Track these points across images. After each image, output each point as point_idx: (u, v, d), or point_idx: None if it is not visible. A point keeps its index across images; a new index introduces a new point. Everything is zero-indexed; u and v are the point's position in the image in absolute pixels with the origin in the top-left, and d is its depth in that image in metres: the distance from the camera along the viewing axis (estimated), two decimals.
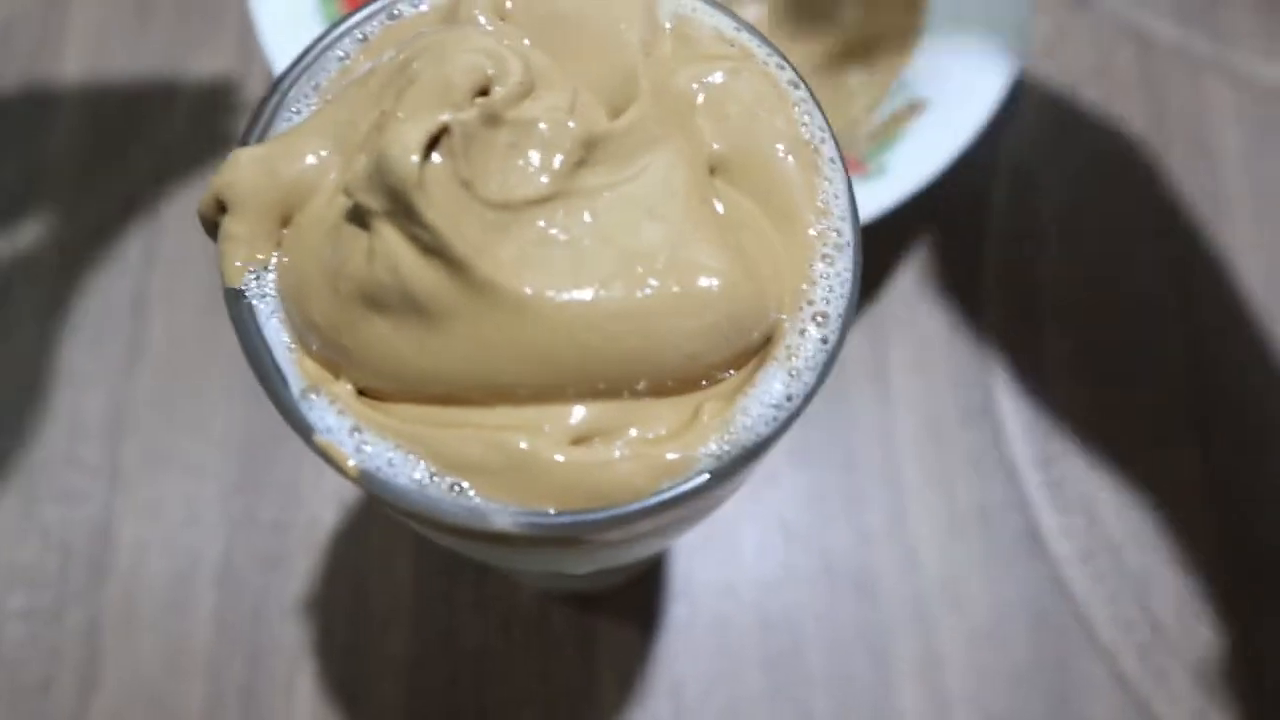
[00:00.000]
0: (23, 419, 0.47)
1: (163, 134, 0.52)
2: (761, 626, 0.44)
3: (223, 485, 0.46)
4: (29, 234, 0.50)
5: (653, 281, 0.20)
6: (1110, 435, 0.48)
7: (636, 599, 0.44)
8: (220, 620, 0.44)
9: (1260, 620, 0.45)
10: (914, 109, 0.44)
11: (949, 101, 0.44)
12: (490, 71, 0.20)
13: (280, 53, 0.44)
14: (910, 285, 0.50)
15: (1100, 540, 0.46)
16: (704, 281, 0.20)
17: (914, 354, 0.49)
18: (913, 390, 0.48)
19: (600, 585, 0.44)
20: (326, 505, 0.45)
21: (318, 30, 0.45)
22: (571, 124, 0.21)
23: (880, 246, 0.50)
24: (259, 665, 0.43)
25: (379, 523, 0.45)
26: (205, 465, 0.46)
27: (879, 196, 0.41)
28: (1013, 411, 0.48)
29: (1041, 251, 0.51)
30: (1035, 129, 0.54)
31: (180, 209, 0.51)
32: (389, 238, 0.20)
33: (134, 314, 0.49)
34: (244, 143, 0.22)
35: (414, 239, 0.20)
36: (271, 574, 0.44)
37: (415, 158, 0.19)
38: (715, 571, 0.45)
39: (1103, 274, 0.51)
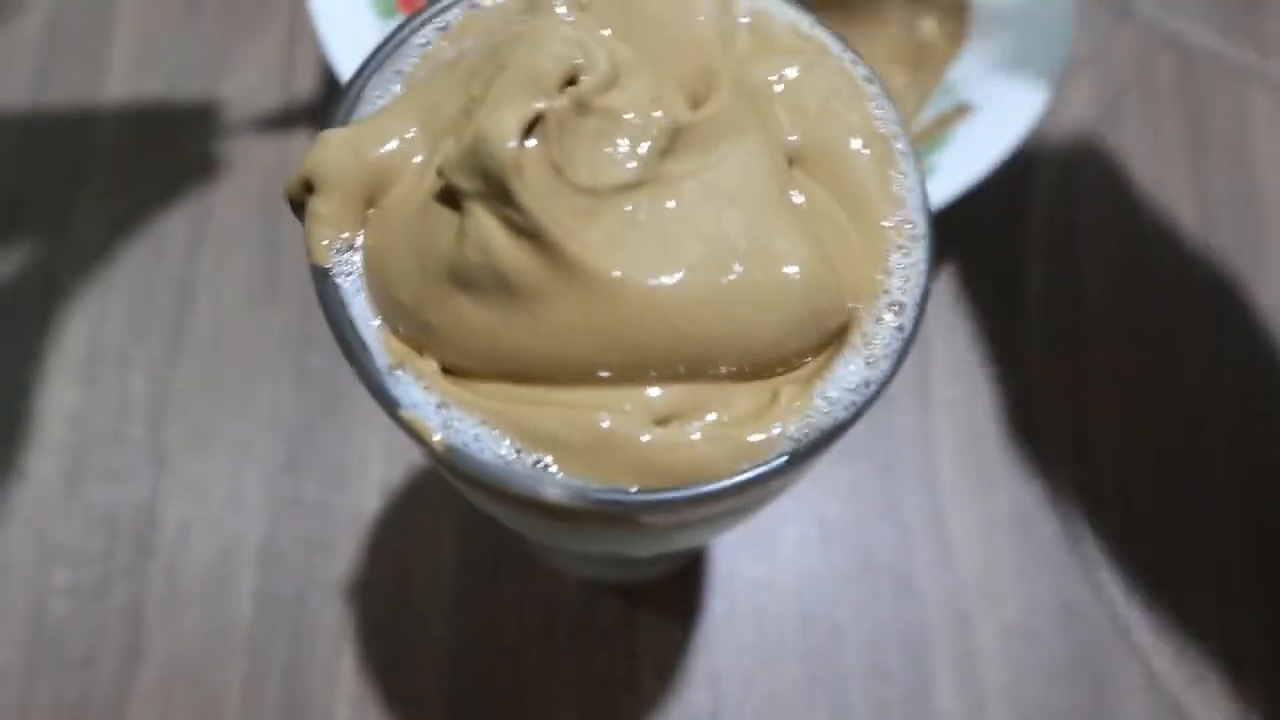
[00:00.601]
0: (69, 399, 0.47)
1: (209, 121, 0.53)
2: (800, 621, 0.44)
3: (267, 467, 0.46)
4: (77, 218, 0.51)
5: (737, 268, 0.21)
6: (1147, 438, 0.48)
7: (677, 592, 0.44)
8: (262, 600, 0.44)
9: None
10: (960, 112, 0.44)
11: (995, 105, 0.44)
12: (579, 61, 0.21)
13: (336, 43, 0.44)
14: (951, 289, 0.50)
15: (1135, 541, 0.46)
16: (786, 270, 0.21)
17: (954, 357, 0.49)
18: (952, 393, 0.48)
19: (643, 576, 0.44)
20: (371, 490, 0.46)
21: (370, 17, 0.46)
22: (657, 113, 0.21)
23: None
24: (300, 645, 0.43)
25: (424, 508, 0.45)
26: (250, 447, 0.47)
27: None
28: (1051, 415, 0.48)
29: (1082, 258, 0.51)
30: (1076, 136, 0.54)
31: (226, 194, 0.51)
32: (481, 218, 0.20)
33: (180, 297, 0.49)
34: (331, 125, 0.23)
35: (506, 220, 0.20)
36: (314, 556, 0.45)
37: (513, 142, 0.19)
38: (755, 567, 0.45)
39: (1143, 282, 0.51)
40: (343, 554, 0.45)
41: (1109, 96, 0.55)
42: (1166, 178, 0.54)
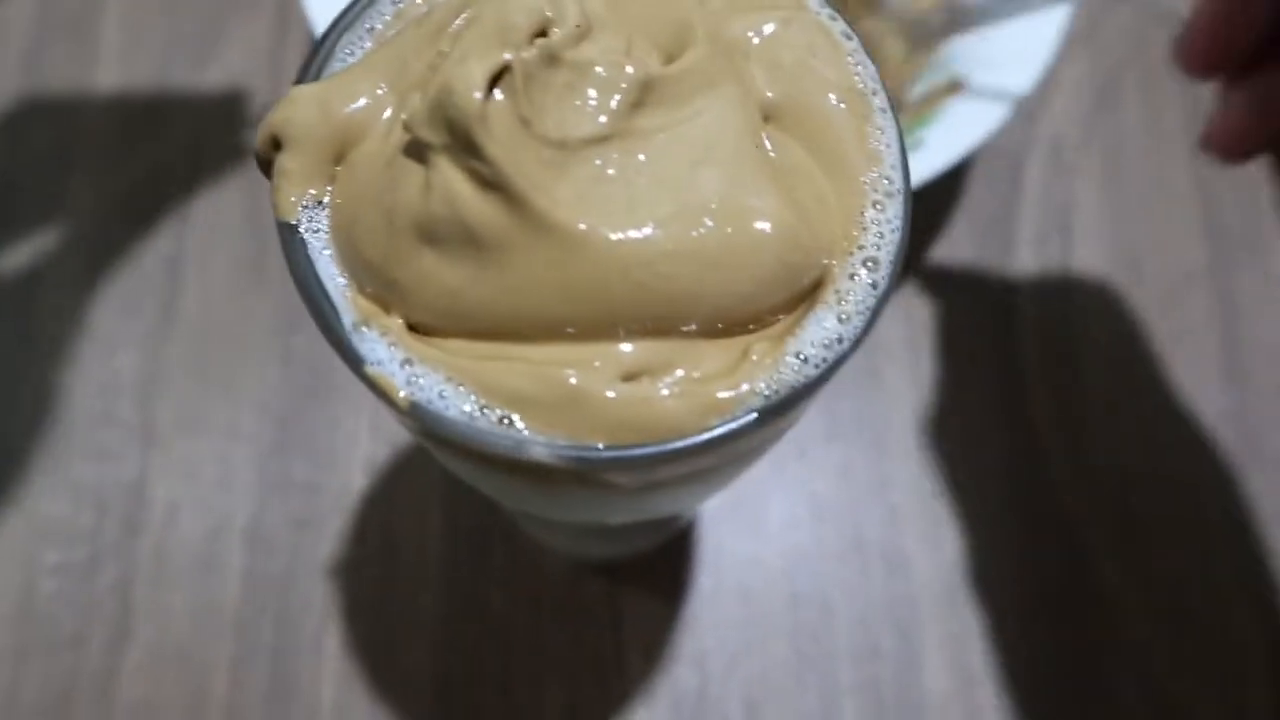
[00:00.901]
0: (57, 378, 0.47)
1: (198, 100, 0.53)
2: (789, 599, 0.44)
3: (255, 447, 0.46)
4: (64, 199, 0.51)
5: (707, 223, 0.20)
6: (1140, 415, 0.47)
7: (664, 570, 0.44)
8: (250, 579, 0.44)
9: None
10: (954, 86, 0.44)
11: (988, 79, 0.44)
12: (549, 14, 0.21)
13: (323, 18, 0.44)
14: (944, 264, 0.50)
15: (1130, 526, 0.45)
16: (758, 225, 0.21)
17: (945, 334, 0.48)
18: (944, 370, 0.48)
19: (628, 552, 0.44)
20: (358, 469, 0.46)
21: None
22: (628, 67, 0.21)
23: (913, 224, 0.50)
24: (287, 624, 0.43)
25: (411, 487, 0.45)
26: (238, 427, 0.47)
27: (915, 170, 0.41)
28: (1043, 394, 0.48)
29: (1075, 231, 0.51)
30: (1071, 111, 0.53)
31: (214, 174, 0.51)
32: (447, 172, 0.20)
33: (168, 277, 0.49)
34: (300, 81, 0.23)
35: (472, 173, 0.20)
36: (302, 535, 0.45)
37: (479, 93, 0.19)
38: (743, 544, 0.45)
39: (1138, 253, 0.51)
40: (330, 533, 0.45)
41: (1105, 74, 0.54)
42: (1164, 155, 0.53)
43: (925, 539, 0.45)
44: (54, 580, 0.44)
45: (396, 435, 0.46)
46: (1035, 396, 0.48)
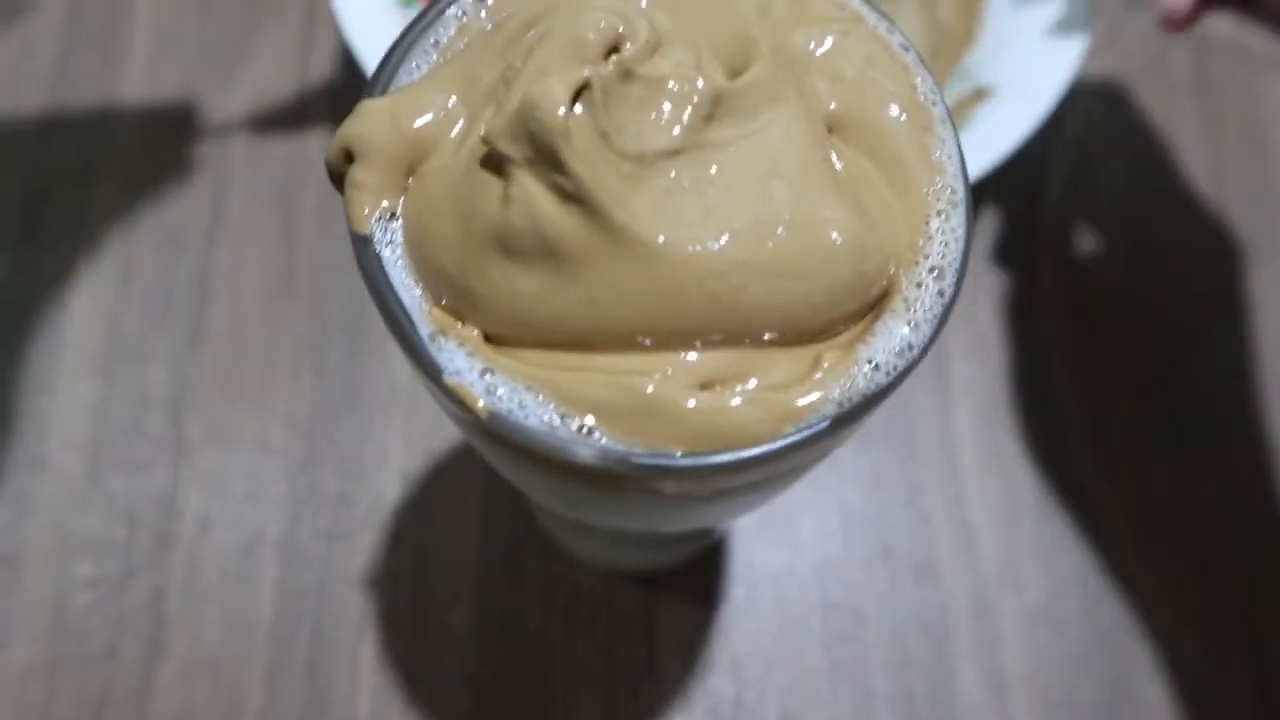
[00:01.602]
0: (88, 392, 0.47)
1: (226, 111, 0.53)
2: (822, 608, 0.44)
3: (286, 460, 0.46)
4: (95, 214, 0.51)
5: (779, 234, 0.21)
6: (1166, 420, 0.48)
7: (698, 580, 0.44)
8: (284, 591, 0.44)
9: None
10: (980, 95, 0.45)
11: (1014, 89, 0.45)
12: (620, 29, 0.21)
13: (358, 31, 0.44)
14: (969, 273, 0.50)
15: (1156, 524, 0.46)
16: (830, 235, 0.21)
17: (972, 341, 0.49)
18: (971, 377, 0.48)
19: (665, 563, 0.44)
20: (390, 481, 0.46)
21: (391, 5, 0.46)
22: (699, 80, 0.21)
23: None
24: (322, 636, 0.43)
25: (444, 499, 0.45)
26: (269, 440, 0.47)
27: None
28: (1070, 397, 0.48)
29: (1099, 241, 0.51)
30: (1092, 122, 0.54)
31: (244, 185, 0.51)
32: (527, 185, 0.20)
33: (198, 292, 0.49)
34: (369, 95, 0.23)
35: (553, 186, 0.20)
36: (335, 547, 0.45)
37: (562, 109, 0.19)
38: (776, 554, 0.45)
39: (1159, 263, 0.51)
40: (363, 546, 0.45)
41: (1123, 85, 0.55)
42: (1182, 167, 0.54)
43: (955, 547, 0.45)
44: (86, 594, 0.44)
45: (429, 447, 0.46)
46: (1061, 399, 0.48)
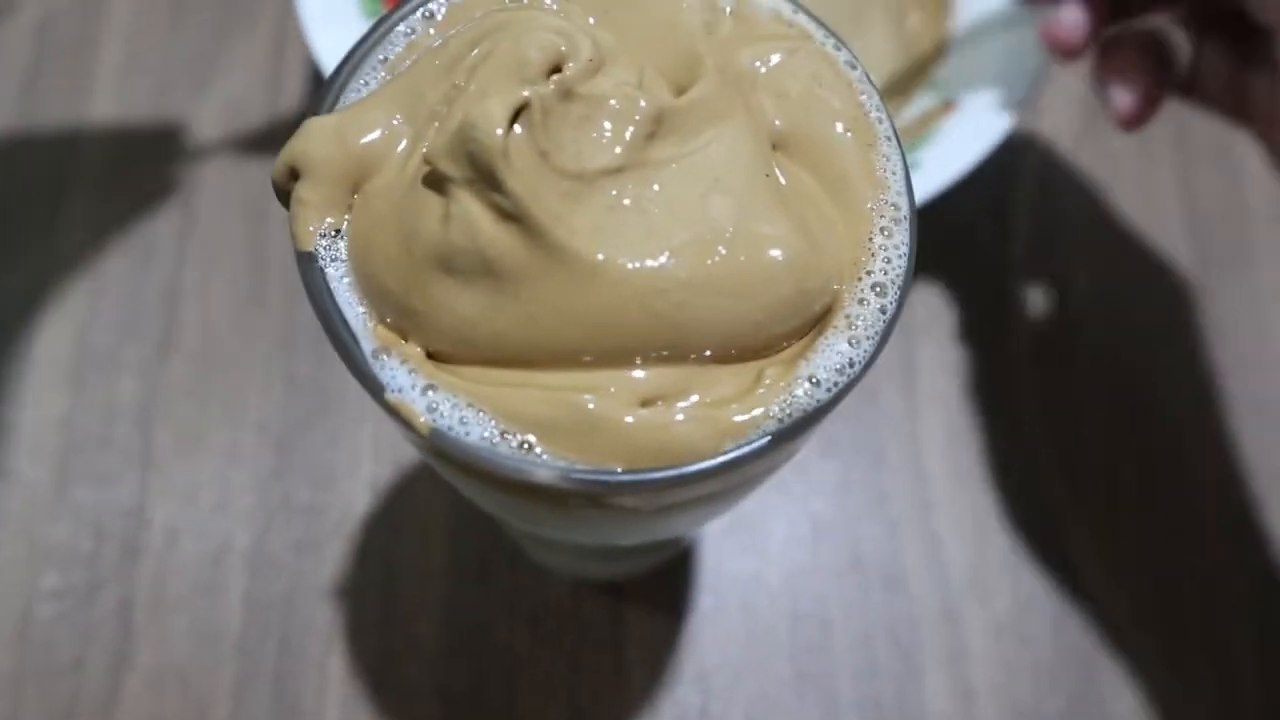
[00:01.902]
0: (56, 404, 0.47)
1: (196, 128, 0.53)
2: (790, 617, 0.44)
3: (255, 471, 0.46)
4: (64, 225, 0.51)
5: (721, 251, 0.21)
6: (1133, 434, 0.48)
7: (665, 590, 0.44)
8: (252, 603, 0.44)
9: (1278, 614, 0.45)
10: (947, 107, 0.45)
11: (978, 103, 0.45)
12: (563, 48, 0.21)
13: (324, 45, 0.44)
14: (936, 284, 0.50)
15: (1120, 537, 0.46)
16: (771, 253, 0.21)
17: (940, 353, 0.49)
18: (939, 388, 0.48)
19: (631, 573, 0.44)
20: (360, 492, 0.46)
21: (358, 18, 0.46)
22: (641, 99, 0.21)
23: None
24: (290, 647, 0.43)
25: (413, 510, 0.45)
26: (238, 451, 0.47)
27: (915, 192, 0.42)
28: (1037, 409, 0.48)
29: (1066, 251, 0.52)
30: (1060, 135, 0.54)
31: (213, 200, 0.51)
32: (467, 204, 0.20)
33: (167, 303, 0.49)
34: (316, 113, 0.23)
35: (492, 205, 0.20)
36: (304, 559, 0.45)
37: (500, 129, 0.20)
38: (744, 563, 0.45)
39: (1128, 277, 0.51)
40: (332, 556, 0.45)
41: (1091, 96, 0.55)
42: (1151, 180, 0.54)
43: (923, 556, 0.45)
44: (53, 605, 0.44)
45: (398, 458, 0.46)
46: (1028, 412, 0.48)
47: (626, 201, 0.21)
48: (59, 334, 0.49)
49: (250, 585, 0.44)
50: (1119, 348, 0.50)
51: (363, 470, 0.46)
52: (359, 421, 0.47)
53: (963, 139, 0.44)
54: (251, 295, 0.50)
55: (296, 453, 0.46)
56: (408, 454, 0.46)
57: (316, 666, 0.43)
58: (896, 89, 0.47)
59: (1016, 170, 0.53)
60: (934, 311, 0.50)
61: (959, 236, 0.52)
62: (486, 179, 0.20)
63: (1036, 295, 0.51)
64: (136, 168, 0.52)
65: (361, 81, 0.24)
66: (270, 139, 0.53)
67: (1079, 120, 0.55)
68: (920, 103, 0.46)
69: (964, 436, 0.48)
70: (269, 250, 0.51)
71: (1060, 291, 0.51)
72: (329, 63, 0.44)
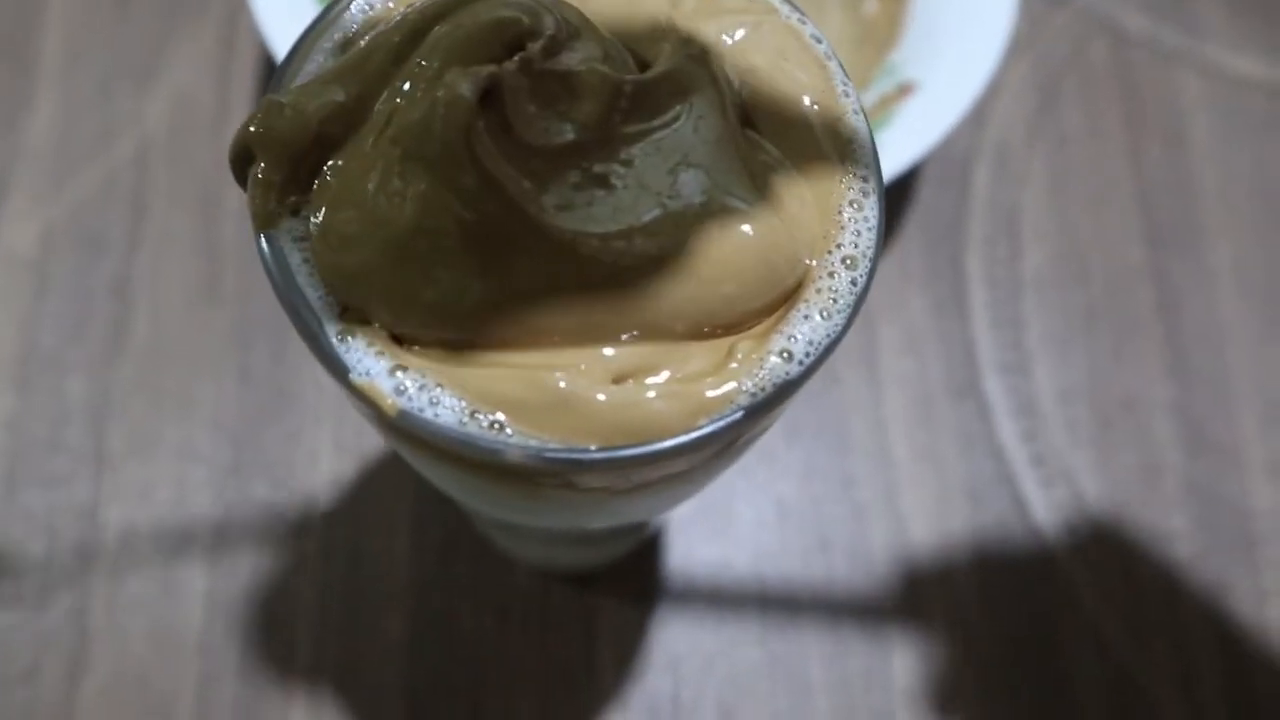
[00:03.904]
0: (3, 405, 0.46)
1: (145, 117, 0.52)
2: (758, 601, 0.44)
3: (213, 468, 0.45)
4: (7, 218, 0.49)
5: (690, 225, 0.21)
6: (1092, 410, 0.49)
7: (634, 577, 0.44)
8: (213, 601, 0.43)
9: (1234, 586, 0.46)
10: (904, 91, 0.45)
11: (937, 84, 0.45)
12: (526, 23, 0.21)
13: (275, 27, 0.43)
14: (897, 267, 0.51)
15: (1082, 512, 0.47)
16: (742, 228, 0.21)
17: (902, 335, 0.49)
18: (901, 370, 0.49)
19: (599, 561, 0.44)
20: (321, 487, 0.45)
21: (311, 10, 0.45)
22: (607, 74, 0.21)
23: None
24: (252, 646, 0.42)
25: (376, 503, 0.45)
26: (194, 448, 0.46)
27: None
28: (999, 389, 0.49)
29: (1024, 231, 0.52)
30: (1015, 117, 0.55)
31: (163, 192, 0.50)
32: (433, 183, 0.20)
33: (116, 299, 0.48)
34: (272, 90, 0.22)
35: (460, 184, 0.20)
36: (265, 556, 0.44)
37: (467, 107, 0.19)
38: (711, 549, 0.45)
39: (1084, 252, 0.52)
40: (294, 552, 0.44)
41: (1046, 80, 0.56)
42: (1104, 160, 0.55)
43: (888, 536, 0.46)
44: (4, 614, 0.43)
45: (360, 451, 0.45)
46: (990, 389, 0.49)
47: (594, 177, 0.21)
48: (4, 333, 0.47)
49: (211, 584, 0.44)
50: (1078, 323, 0.50)
51: (322, 465, 0.45)
52: (317, 416, 0.46)
53: (921, 122, 0.44)
54: (204, 290, 0.49)
55: (254, 448, 0.46)
56: (369, 447, 0.45)
57: (281, 665, 0.42)
58: (853, 74, 0.48)
59: (973, 151, 0.54)
60: (894, 293, 0.50)
61: (917, 218, 0.52)
62: (453, 157, 0.20)
63: (997, 275, 0.51)
64: (82, 162, 0.51)
65: (318, 59, 0.23)
66: (221, 130, 0.52)
67: (1034, 101, 0.55)
68: (878, 86, 0.46)
69: (927, 417, 0.48)
70: (221, 244, 0.49)
71: (1020, 270, 0.51)
72: (281, 49, 0.44)
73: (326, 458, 0.45)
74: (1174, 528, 0.47)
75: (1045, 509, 0.47)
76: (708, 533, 0.45)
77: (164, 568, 0.44)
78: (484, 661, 0.43)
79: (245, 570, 0.44)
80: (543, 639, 0.43)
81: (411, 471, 0.44)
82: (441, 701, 0.42)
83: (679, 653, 0.43)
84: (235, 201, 0.50)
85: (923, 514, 0.46)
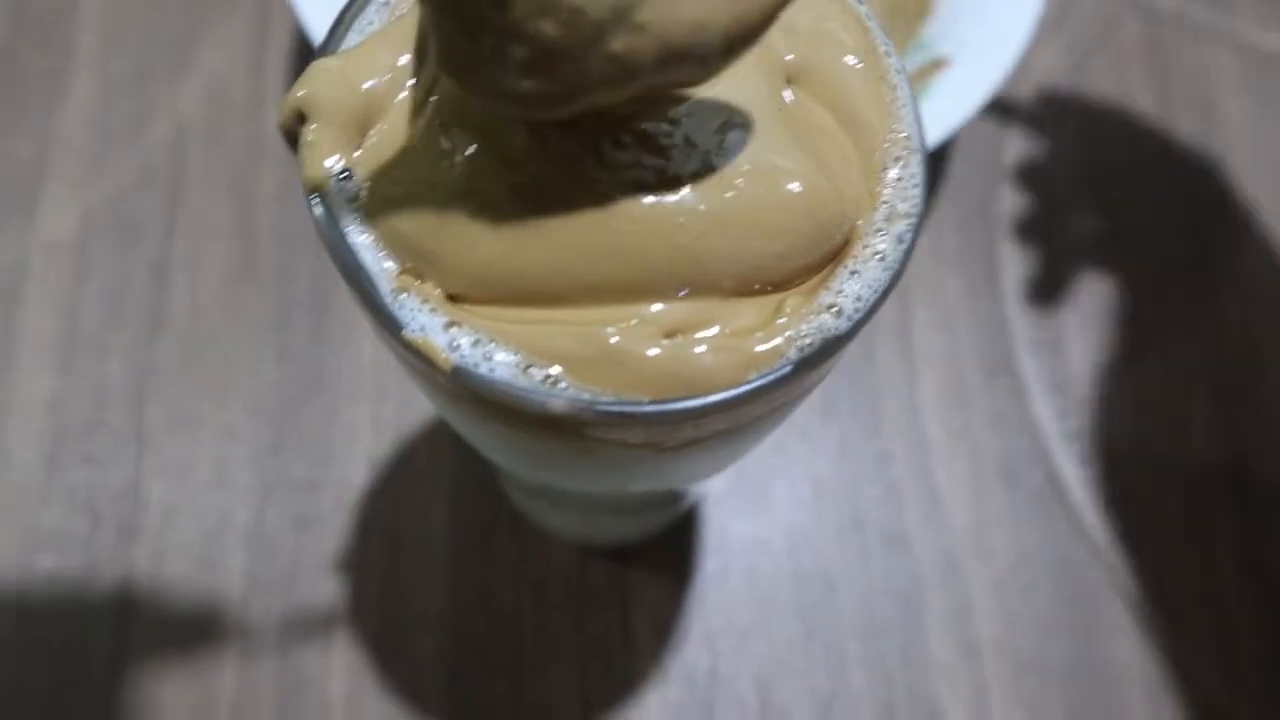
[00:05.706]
0: (46, 386, 0.47)
1: (180, 103, 0.53)
2: (794, 577, 0.44)
3: (252, 447, 0.46)
4: (47, 207, 0.50)
5: (739, 184, 0.21)
6: (1128, 384, 0.48)
7: (670, 553, 0.44)
8: (252, 579, 0.44)
9: (1274, 558, 0.45)
10: (936, 66, 0.45)
11: (969, 58, 0.45)
12: None
13: (312, 14, 0.44)
14: (930, 244, 0.51)
15: (1117, 489, 0.46)
16: (788, 186, 0.21)
17: (937, 313, 0.49)
18: (936, 348, 0.49)
19: (636, 534, 0.44)
20: (358, 465, 0.45)
21: None
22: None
23: None
24: (293, 623, 0.43)
25: (413, 480, 0.45)
26: (234, 428, 0.46)
27: None
28: (1033, 367, 0.48)
29: (1059, 208, 0.52)
30: (1047, 93, 0.55)
31: (200, 175, 0.51)
32: (482, 145, 0.20)
33: (156, 283, 0.49)
34: (321, 55, 0.23)
35: (508, 147, 0.20)
36: (304, 534, 0.44)
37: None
38: (747, 525, 0.45)
39: (1121, 228, 0.52)
40: (333, 530, 0.45)
41: (1077, 57, 0.56)
42: (1135, 137, 0.54)
43: (923, 514, 0.46)
44: (50, 587, 0.44)
45: (398, 428, 0.46)
46: (1024, 367, 0.48)
47: (643, 137, 0.21)
48: (47, 316, 0.48)
49: (250, 562, 0.44)
50: (1114, 297, 0.50)
51: (360, 443, 0.46)
52: (355, 394, 0.47)
53: (953, 97, 0.44)
54: (242, 271, 0.49)
55: (292, 428, 0.46)
56: (407, 424, 0.46)
57: (321, 641, 0.43)
58: None
59: (1005, 128, 0.53)
60: (927, 270, 0.50)
61: (949, 195, 0.52)
62: (500, 120, 0.20)
63: (1031, 253, 0.51)
64: (118, 148, 0.51)
65: (367, 22, 0.24)
66: (255, 115, 0.52)
67: (1066, 78, 0.55)
68: (910, 61, 0.46)
69: (961, 396, 0.48)
70: (257, 226, 0.50)
71: (1054, 248, 0.51)
72: (315, 30, 0.44)
73: (364, 436, 0.46)
74: (1214, 502, 0.46)
75: (1080, 486, 0.46)
76: (744, 509, 0.45)
77: (205, 547, 0.44)
78: (523, 636, 0.43)
79: (284, 548, 0.44)
80: (580, 614, 0.43)
81: (450, 447, 0.45)
82: (481, 675, 0.42)
83: (716, 627, 0.43)
84: (271, 183, 0.51)
85: (957, 491, 0.46)
